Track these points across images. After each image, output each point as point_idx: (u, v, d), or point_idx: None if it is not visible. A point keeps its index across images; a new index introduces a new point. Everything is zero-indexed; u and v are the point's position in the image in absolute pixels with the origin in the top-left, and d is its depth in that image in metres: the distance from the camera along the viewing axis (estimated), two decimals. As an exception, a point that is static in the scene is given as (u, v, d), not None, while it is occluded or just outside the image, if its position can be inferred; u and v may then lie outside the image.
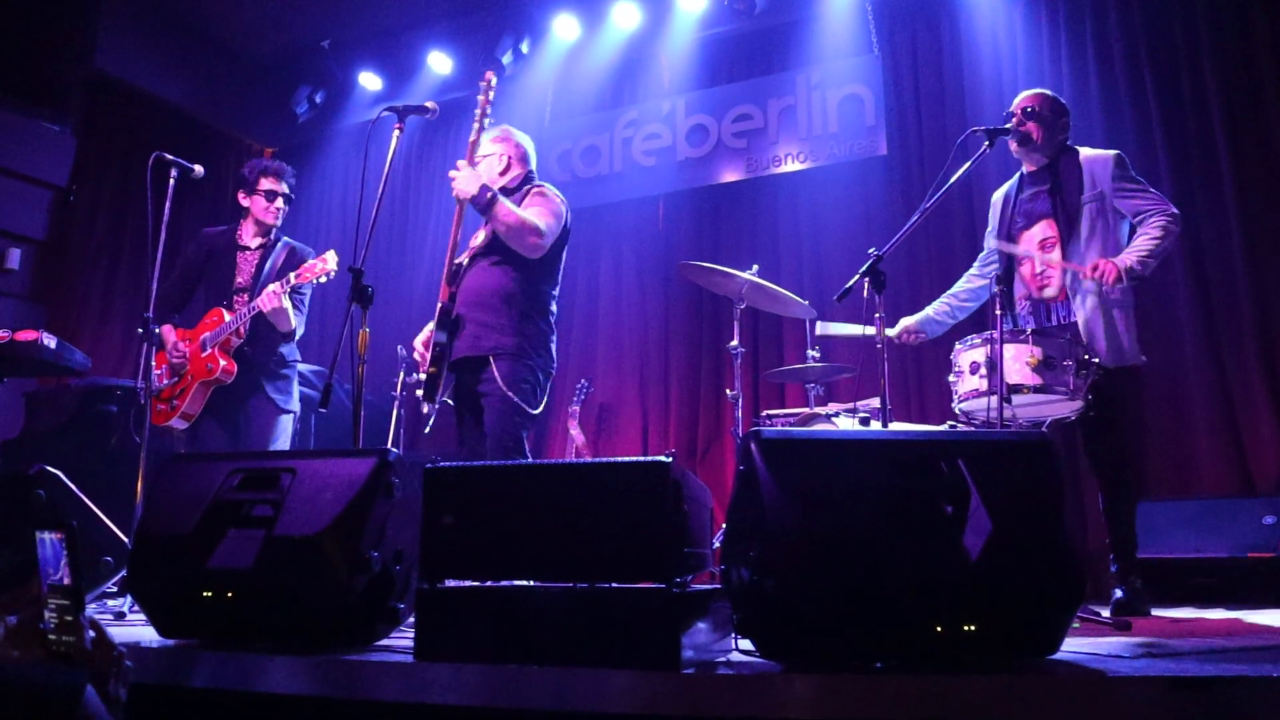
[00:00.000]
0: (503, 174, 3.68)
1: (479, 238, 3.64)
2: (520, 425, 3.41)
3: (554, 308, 3.65)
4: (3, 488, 3.44)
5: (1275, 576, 3.89)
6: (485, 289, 3.50)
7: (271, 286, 3.96)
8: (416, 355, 3.58)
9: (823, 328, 4.16)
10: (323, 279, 3.95)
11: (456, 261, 3.57)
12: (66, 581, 1.29)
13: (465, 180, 3.41)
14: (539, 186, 3.65)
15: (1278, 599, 3.79)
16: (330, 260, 3.94)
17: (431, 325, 3.50)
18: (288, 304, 3.98)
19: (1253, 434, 4.64)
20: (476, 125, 3.51)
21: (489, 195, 3.39)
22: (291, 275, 3.95)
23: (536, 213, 3.50)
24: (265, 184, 4.23)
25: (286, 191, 4.29)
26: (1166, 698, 1.58)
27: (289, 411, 4.16)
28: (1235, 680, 1.58)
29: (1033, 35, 5.63)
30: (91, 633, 1.28)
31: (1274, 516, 4.04)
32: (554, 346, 3.61)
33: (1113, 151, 3.61)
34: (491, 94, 3.53)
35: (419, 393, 3.47)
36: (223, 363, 4.00)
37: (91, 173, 6.61)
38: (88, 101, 6.62)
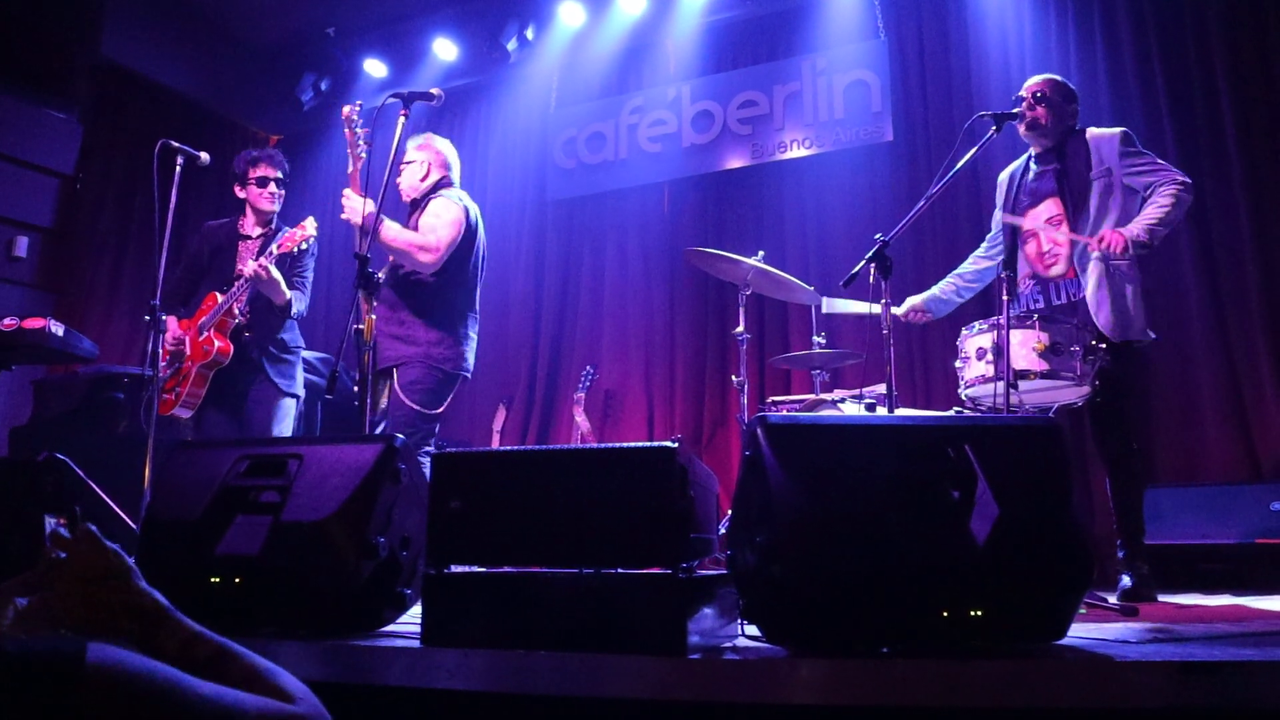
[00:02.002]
0: (423, 180, 3.90)
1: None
2: (420, 428, 3.59)
3: (472, 309, 3.84)
4: (12, 474, 3.45)
5: (1282, 562, 3.89)
6: (390, 302, 3.73)
7: (257, 260, 3.96)
8: None
9: (829, 304, 4.16)
10: (304, 245, 3.97)
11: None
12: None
13: (350, 210, 3.58)
14: (441, 194, 3.81)
15: (1285, 585, 3.78)
16: (309, 226, 3.97)
17: None
18: (276, 274, 3.95)
19: (1260, 420, 4.62)
20: (352, 157, 3.58)
21: (373, 222, 3.52)
22: (274, 247, 3.94)
23: (430, 225, 3.69)
24: (256, 172, 4.23)
25: (279, 176, 4.27)
26: (1174, 682, 1.58)
27: (292, 395, 4.16)
28: (1242, 665, 1.58)
29: (1040, 19, 5.59)
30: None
31: (1281, 502, 4.04)
32: (467, 349, 3.79)
33: (1118, 129, 3.59)
34: (358, 128, 3.57)
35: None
36: (218, 343, 3.98)
37: (98, 160, 6.60)
38: (94, 89, 6.60)
